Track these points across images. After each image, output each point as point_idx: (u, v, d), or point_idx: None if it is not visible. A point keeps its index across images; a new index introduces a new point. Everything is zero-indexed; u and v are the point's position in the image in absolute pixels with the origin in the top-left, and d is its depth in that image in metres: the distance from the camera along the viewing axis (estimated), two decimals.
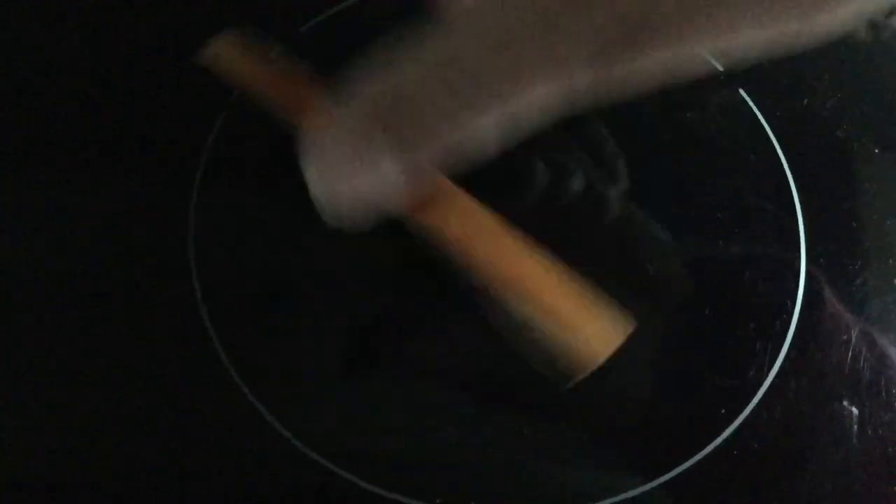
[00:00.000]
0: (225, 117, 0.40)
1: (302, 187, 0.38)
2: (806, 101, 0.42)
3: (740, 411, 0.35)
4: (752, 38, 0.20)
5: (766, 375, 0.36)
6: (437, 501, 0.33)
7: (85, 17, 0.43)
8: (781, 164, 0.40)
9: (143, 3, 0.43)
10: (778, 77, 0.43)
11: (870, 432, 0.35)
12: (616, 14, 0.19)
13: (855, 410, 0.35)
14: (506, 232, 0.29)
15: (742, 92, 0.42)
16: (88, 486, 0.33)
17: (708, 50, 0.20)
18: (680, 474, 0.34)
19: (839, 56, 0.43)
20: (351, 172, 0.22)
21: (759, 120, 0.41)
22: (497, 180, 0.37)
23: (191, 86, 0.40)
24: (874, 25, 0.45)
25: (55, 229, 0.38)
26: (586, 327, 0.29)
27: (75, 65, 0.41)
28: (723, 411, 0.35)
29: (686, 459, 0.34)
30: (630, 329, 0.29)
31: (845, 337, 0.37)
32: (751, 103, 0.41)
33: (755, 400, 0.35)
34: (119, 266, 0.37)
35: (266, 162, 0.39)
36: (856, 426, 0.35)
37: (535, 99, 0.20)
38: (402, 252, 0.36)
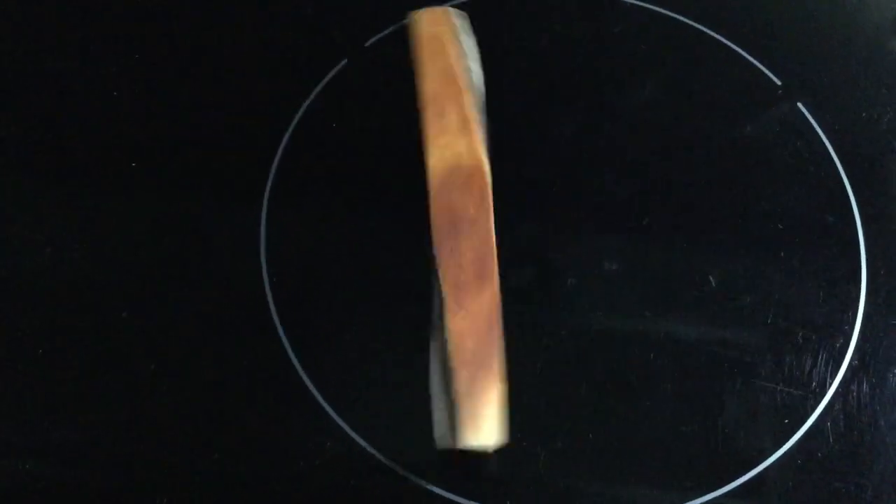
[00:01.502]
0: (297, 124, 0.41)
1: (371, 193, 0.40)
2: (864, 114, 0.42)
3: (804, 421, 0.35)
4: None
5: (829, 386, 0.36)
6: None
7: (163, 26, 0.45)
8: (841, 177, 0.40)
9: (218, 12, 0.45)
10: (835, 91, 0.43)
11: None
12: None
13: None
14: None
15: (800, 106, 0.42)
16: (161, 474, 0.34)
17: None
18: (743, 484, 0.34)
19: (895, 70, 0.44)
20: None
21: (817, 133, 0.41)
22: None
23: (268, 87, 0.43)
24: None
25: (130, 229, 0.39)
26: (484, 411, 0.31)
27: (157, 69, 0.43)
28: (786, 421, 0.35)
29: (750, 469, 0.34)
30: (502, 443, 0.31)
31: None
32: (809, 117, 0.42)
33: (818, 410, 0.35)
34: (192, 266, 0.38)
35: (338, 165, 0.41)
36: None
37: None
38: None
